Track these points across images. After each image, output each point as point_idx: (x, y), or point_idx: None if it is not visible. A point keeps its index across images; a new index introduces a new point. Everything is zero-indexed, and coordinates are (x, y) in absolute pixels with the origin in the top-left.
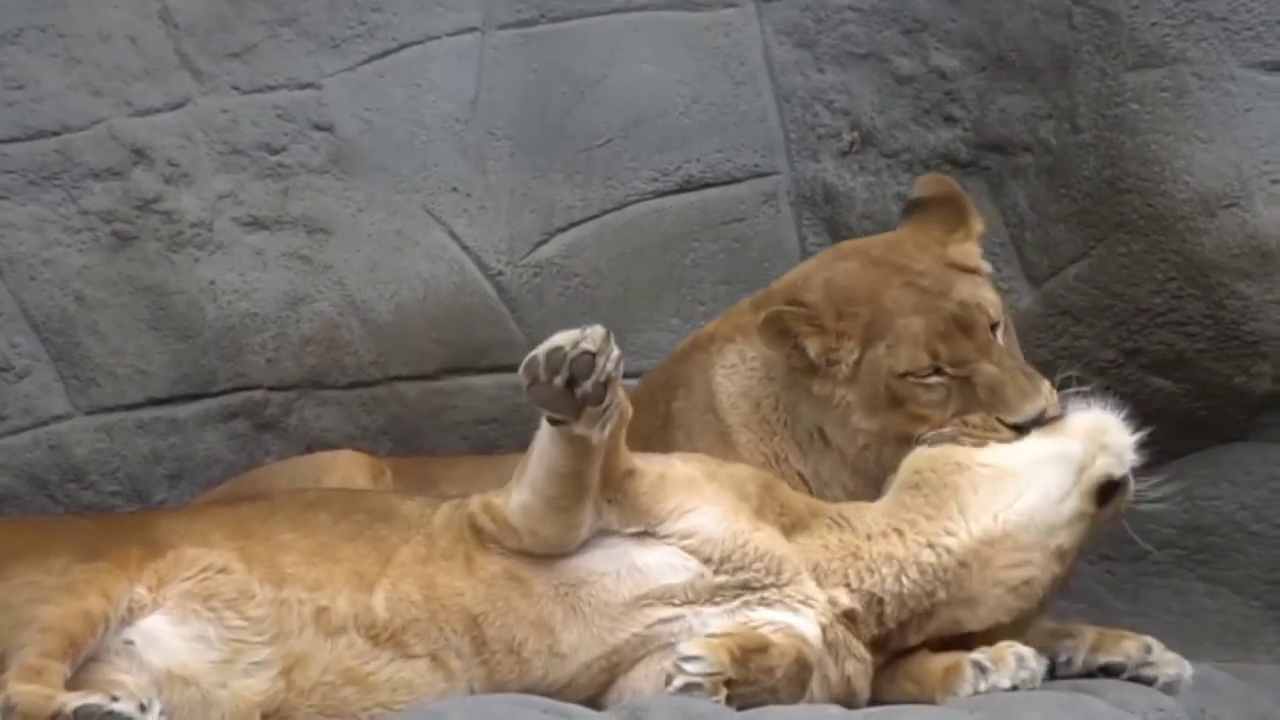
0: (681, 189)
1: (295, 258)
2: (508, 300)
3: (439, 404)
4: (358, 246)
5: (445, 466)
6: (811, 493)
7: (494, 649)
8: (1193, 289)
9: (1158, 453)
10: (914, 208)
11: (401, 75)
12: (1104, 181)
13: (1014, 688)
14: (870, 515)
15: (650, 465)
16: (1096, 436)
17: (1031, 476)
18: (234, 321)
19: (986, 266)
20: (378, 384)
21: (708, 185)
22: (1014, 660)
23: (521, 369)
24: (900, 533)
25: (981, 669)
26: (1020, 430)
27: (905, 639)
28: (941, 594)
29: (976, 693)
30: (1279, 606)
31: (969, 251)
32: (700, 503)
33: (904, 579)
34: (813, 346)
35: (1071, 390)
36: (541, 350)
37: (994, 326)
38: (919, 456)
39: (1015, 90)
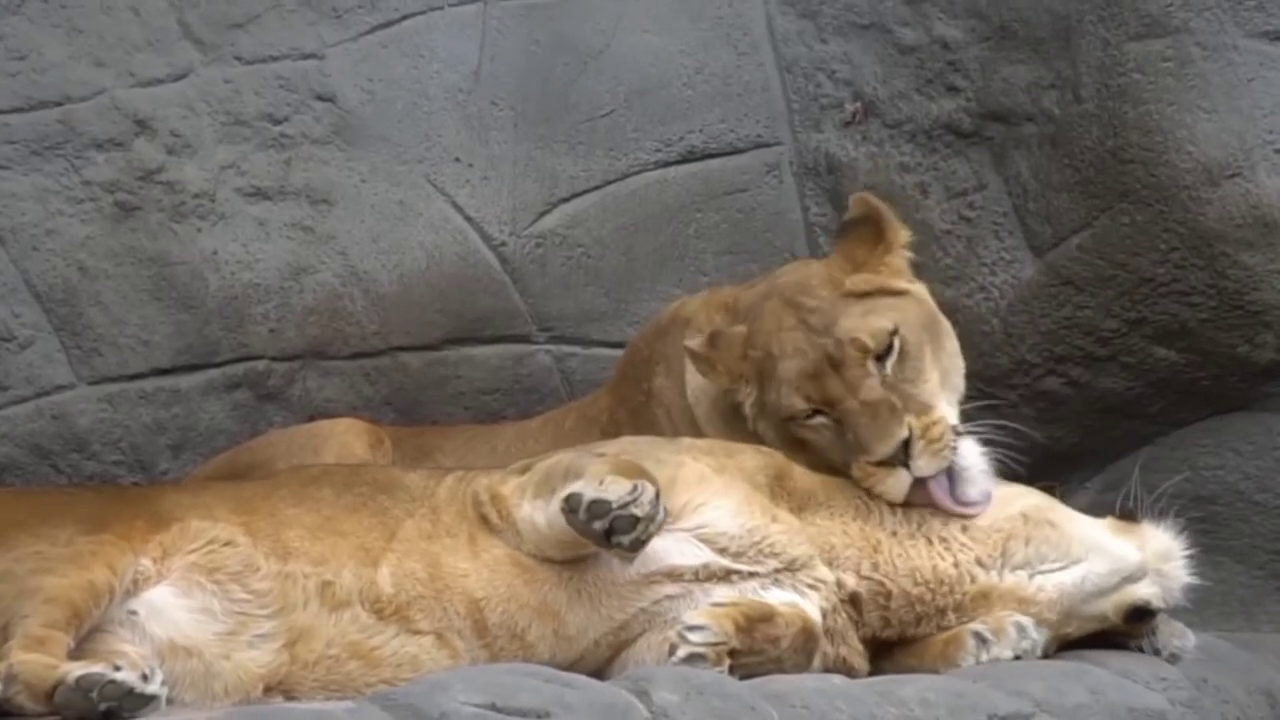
0: (684, 159)
1: (298, 228)
2: (510, 271)
3: (442, 374)
4: (360, 217)
5: (442, 436)
6: None
7: (496, 634)
8: (1196, 259)
9: (1161, 424)
10: (840, 231)
11: (404, 46)
12: (1107, 151)
13: (1016, 658)
14: (901, 511)
15: (661, 469)
16: (1158, 560)
17: (1081, 557)
18: (237, 292)
19: (903, 284)
20: (380, 354)
21: (711, 156)
22: (1015, 631)
23: (562, 498)
24: (930, 543)
25: (982, 640)
26: (891, 463)
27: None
28: (951, 617)
29: (978, 664)
30: None
31: (873, 277)
32: (711, 496)
33: (918, 579)
34: (716, 383)
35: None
36: (588, 495)
37: (880, 357)
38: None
39: (1018, 60)
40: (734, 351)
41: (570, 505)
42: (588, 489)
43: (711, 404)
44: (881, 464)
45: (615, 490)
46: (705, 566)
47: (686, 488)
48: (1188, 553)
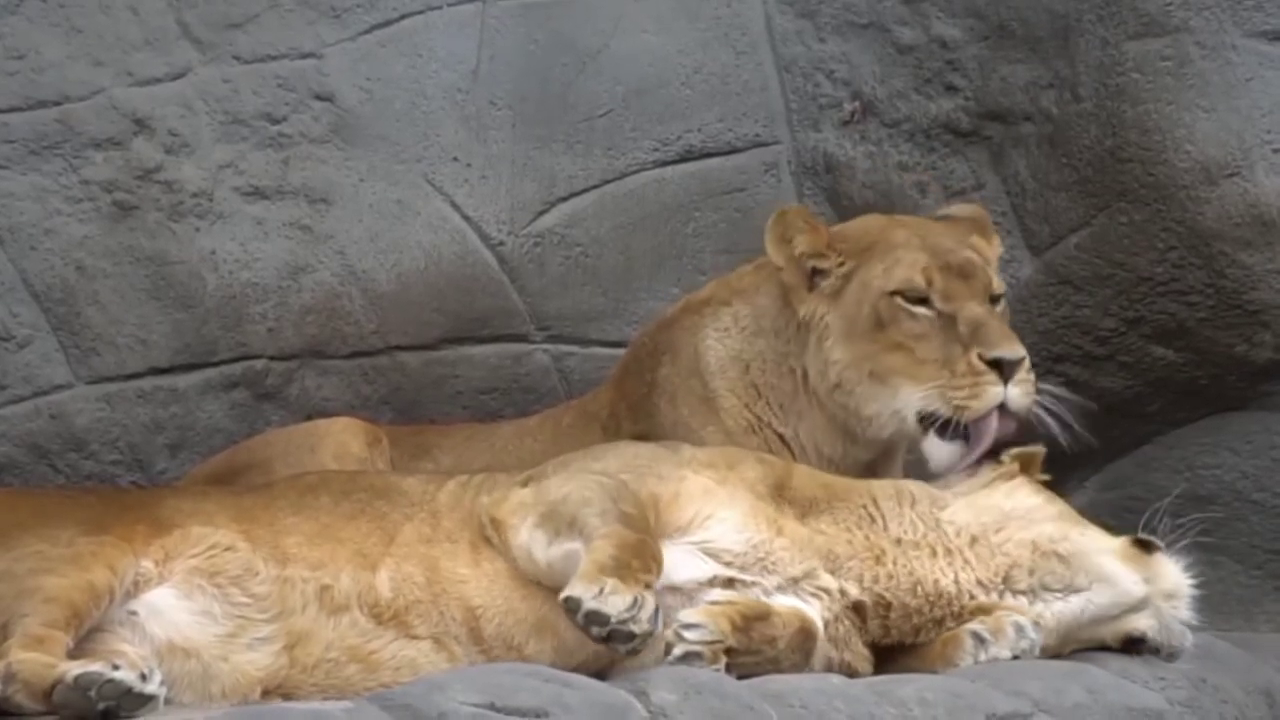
0: (682, 159)
1: (296, 227)
2: (509, 270)
3: (440, 373)
4: (358, 216)
5: (440, 434)
6: (794, 456)
7: (492, 644)
8: (1194, 258)
9: (1159, 424)
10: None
11: (403, 45)
12: (1105, 151)
13: (1014, 658)
14: (910, 518)
15: (664, 485)
16: (1163, 597)
17: (1084, 586)
18: (235, 291)
19: (1000, 284)
20: (379, 353)
21: (709, 155)
22: (1013, 631)
23: (563, 596)
24: (935, 554)
25: (981, 640)
26: (1000, 368)
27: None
28: (950, 624)
29: (976, 664)
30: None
31: (992, 249)
32: (716, 508)
33: (920, 590)
34: (802, 243)
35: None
36: (587, 604)
37: (995, 297)
38: (1018, 499)
39: (1016, 59)
40: (827, 233)
41: (569, 606)
42: (586, 595)
43: (742, 371)
44: (991, 366)
45: (615, 604)
46: (710, 579)
47: (691, 501)
48: (1194, 593)
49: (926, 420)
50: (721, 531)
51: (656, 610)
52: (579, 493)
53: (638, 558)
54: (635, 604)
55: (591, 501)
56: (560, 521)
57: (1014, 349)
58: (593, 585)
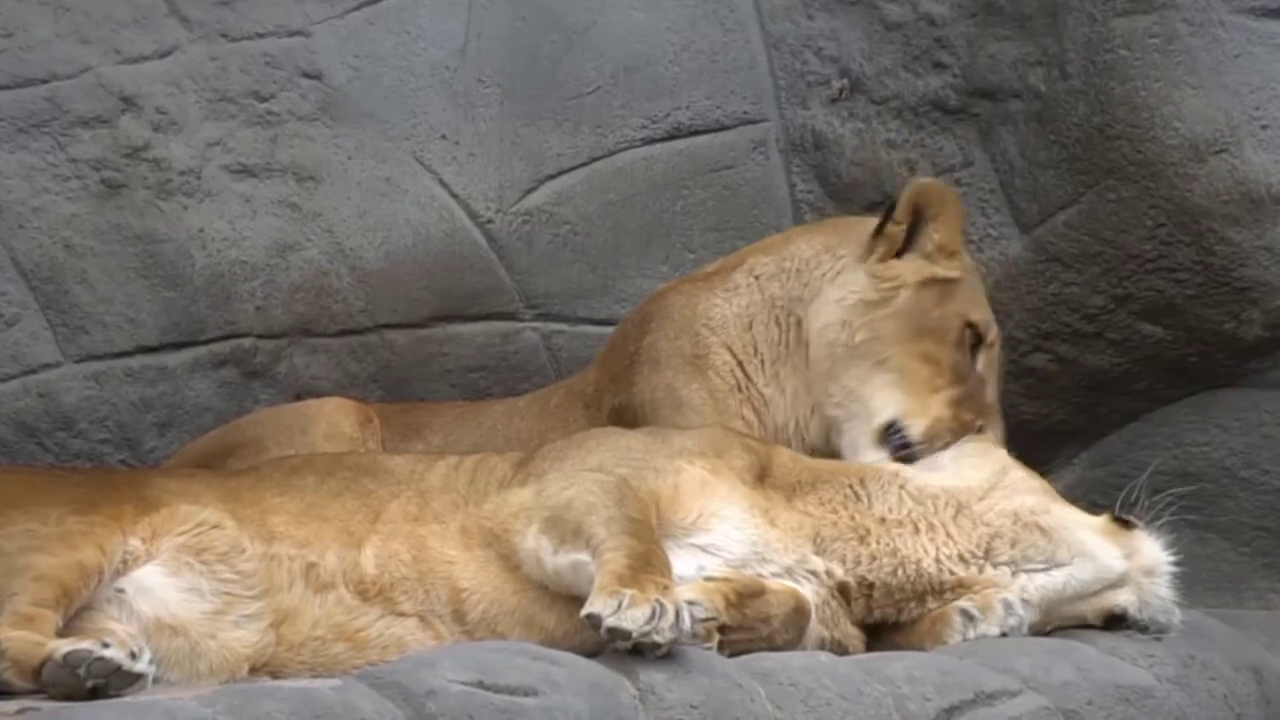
0: (671, 136)
1: (284, 205)
2: (497, 248)
3: (428, 351)
4: (347, 194)
5: (431, 413)
6: (770, 425)
7: (475, 627)
8: (1183, 235)
9: (1148, 401)
10: None
11: (390, 22)
12: (1094, 128)
13: (1003, 635)
14: (895, 496)
15: (662, 480)
16: (1143, 573)
17: (1065, 560)
18: (223, 269)
19: None
20: (367, 332)
21: (697, 133)
22: (1002, 608)
23: (584, 613)
24: (917, 530)
25: (969, 617)
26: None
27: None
28: (932, 603)
29: (965, 641)
30: (1268, 552)
31: None
32: (717, 505)
33: (901, 572)
34: (940, 230)
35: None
36: (606, 620)
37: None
38: (1004, 476)
39: (1005, 36)
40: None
41: (592, 623)
42: (606, 611)
43: (746, 326)
44: (966, 428)
45: (634, 616)
46: (705, 571)
47: (691, 496)
48: (1173, 570)
49: (891, 431)
50: (724, 532)
51: (678, 614)
52: (582, 498)
53: (648, 568)
54: (654, 614)
55: (596, 508)
56: (565, 529)
57: (998, 430)
58: (611, 600)
